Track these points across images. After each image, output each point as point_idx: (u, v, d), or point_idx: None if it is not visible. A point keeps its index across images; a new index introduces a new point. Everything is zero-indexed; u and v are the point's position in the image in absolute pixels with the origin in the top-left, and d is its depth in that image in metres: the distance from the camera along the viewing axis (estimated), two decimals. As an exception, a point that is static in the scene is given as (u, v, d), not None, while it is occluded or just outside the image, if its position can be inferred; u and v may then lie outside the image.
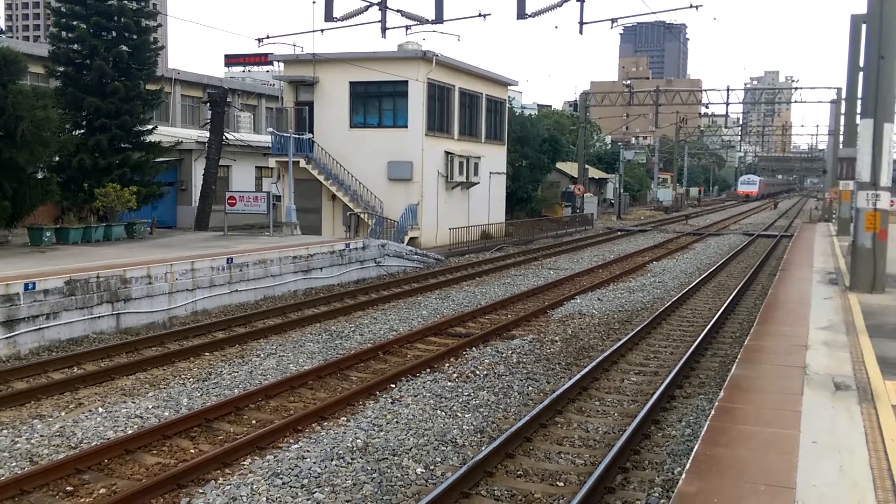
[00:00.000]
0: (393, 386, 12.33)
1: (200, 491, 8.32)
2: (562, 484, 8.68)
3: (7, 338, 14.18)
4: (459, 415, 10.96)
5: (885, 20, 15.56)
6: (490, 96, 39.18)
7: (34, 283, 14.80)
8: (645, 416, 10.38)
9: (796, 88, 60.91)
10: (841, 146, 36.87)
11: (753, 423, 7.66)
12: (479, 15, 23.80)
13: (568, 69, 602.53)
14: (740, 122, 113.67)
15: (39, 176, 23.48)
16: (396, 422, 10.54)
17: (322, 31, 25.66)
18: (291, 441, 9.82)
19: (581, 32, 24.61)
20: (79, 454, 9.11)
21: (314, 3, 23.88)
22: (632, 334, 15.72)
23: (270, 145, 33.10)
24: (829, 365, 9.93)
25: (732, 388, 8.89)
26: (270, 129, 33.57)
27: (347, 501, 8.07)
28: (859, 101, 20.19)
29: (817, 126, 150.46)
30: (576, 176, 55.23)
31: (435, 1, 21.78)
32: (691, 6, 27.61)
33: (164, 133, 32.76)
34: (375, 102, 33.52)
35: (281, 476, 8.61)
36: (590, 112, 61.71)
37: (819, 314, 13.65)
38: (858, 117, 17.98)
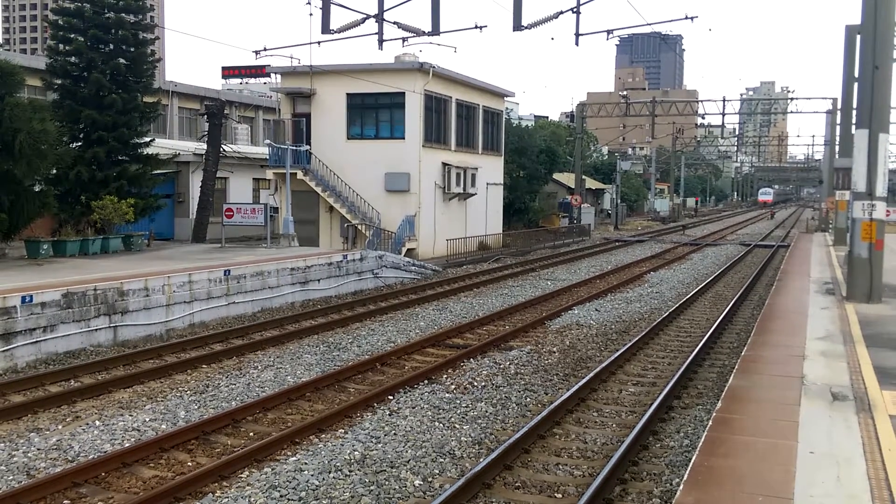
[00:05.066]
0: (391, 398, 12.31)
1: (198, 504, 8.30)
2: (560, 496, 8.67)
3: (4, 351, 14.15)
4: (457, 426, 10.95)
5: (880, 31, 15.64)
6: (487, 107, 39.28)
7: (31, 296, 14.78)
8: (643, 427, 10.37)
9: (792, 99, 60.99)
10: (837, 156, 36.96)
11: (751, 434, 7.65)
12: (476, 27, 23.86)
13: (564, 80, 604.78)
14: (736, 133, 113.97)
15: (37, 188, 23.49)
16: (394, 434, 10.52)
17: (319, 43, 25.76)
18: (289, 453, 9.80)
19: (577, 44, 24.76)
20: (76, 467, 9.09)
21: (311, 15, 23.98)
22: (629, 345, 15.72)
23: (268, 157, 33.15)
24: (826, 375, 9.93)
25: (730, 399, 8.88)
26: (268, 141, 33.63)
27: (345, 514, 8.05)
28: (855, 112, 20.26)
29: (813, 136, 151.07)
30: (573, 186, 55.30)
31: (431, 13, 21.83)
32: (687, 17, 27.75)
33: (162, 145, 32.81)
34: (372, 114, 33.60)
35: (279, 489, 8.59)
36: (586, 123, 61.86)
37: (816, 324, 13.66)
38: (854, 127, 18.04)
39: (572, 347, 16.25)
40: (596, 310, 20.93)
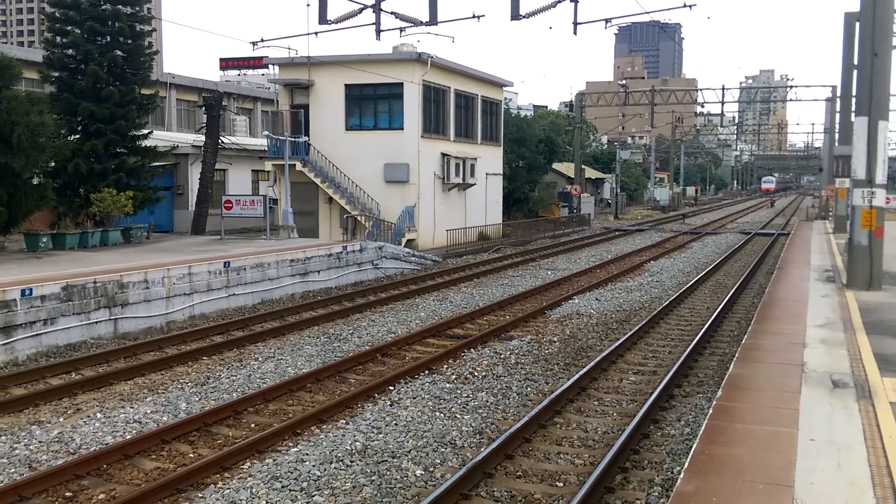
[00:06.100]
0: (391, 388, 12.32)
1: (200, 495, 8.31)
2: (561, 484, 8.68)
3: (4, 344, 14.15)
4: (458, 416, 10.96)
5: (879, 18, 15.60)
6: (486, 97, 39.19)
7: (31, 289, 14.78)
8: (644, 415, 10.39)
9: (791, 87, 60.95)
10: (836, 144, 36.90)
11: (751, 422, 7.66)
12: (474, 16, 23.80)
13: (563, 70, 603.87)
14: (736, 121, 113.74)
15: (35, 181, 23.46)
16: (395, 424, 10.54)
17: (316, 33, 25.69)
18: (290, 444, 9.82)
19: (575, 33, 24.61)
20: (77, 460, 9.10)
21: (308, 5, 23.93)
22: (630, 334, 15.73)
23: (266, 149, 33.09)
24: (826, 363, 9.94)
25: (730, 387, 8.89)
26: (266, 133, 33.56)
27: (347, 504, 8.07)
28: (854, 99, 20.22)
29: (813, 124, 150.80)
30: (572, 176, 55.25)
31: (429, 2, 21.76)
32: (685, 5, 27.63)
33: (160, 137, 32.74)
34: (371, 105, 33.54)
35: (280, 479, 8.60)
36: (585, 112, 61.74)
37: (816, 312, 13.66)
38: (853, 115, 18.00)
39: (573, 337, 16.26)
40: (596, 299, 20.94)
